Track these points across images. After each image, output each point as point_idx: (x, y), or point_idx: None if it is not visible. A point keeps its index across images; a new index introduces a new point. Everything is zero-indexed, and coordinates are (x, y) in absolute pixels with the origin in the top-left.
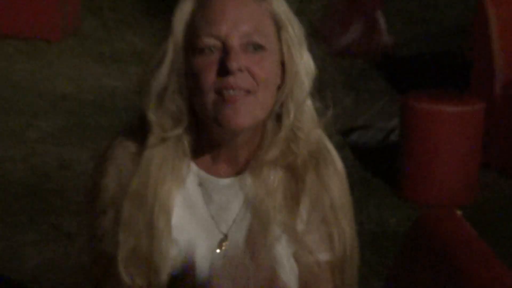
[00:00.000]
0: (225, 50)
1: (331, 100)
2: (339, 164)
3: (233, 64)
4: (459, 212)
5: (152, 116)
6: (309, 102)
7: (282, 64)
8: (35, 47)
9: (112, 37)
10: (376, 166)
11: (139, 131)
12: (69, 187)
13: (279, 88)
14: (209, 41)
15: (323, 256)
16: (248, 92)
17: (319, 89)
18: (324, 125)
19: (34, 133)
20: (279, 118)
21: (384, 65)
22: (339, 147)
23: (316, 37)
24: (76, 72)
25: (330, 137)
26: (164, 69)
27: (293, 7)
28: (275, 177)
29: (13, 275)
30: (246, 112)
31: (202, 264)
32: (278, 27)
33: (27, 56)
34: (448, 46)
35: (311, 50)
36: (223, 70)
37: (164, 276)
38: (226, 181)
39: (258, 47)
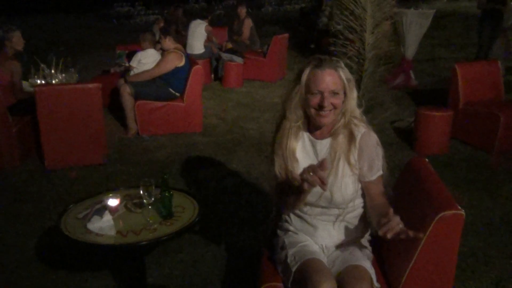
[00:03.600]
0: (322, 96)
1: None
2: (370, 130)
3: (325, 103)
4: (426, 160)
5: (288, 114)
6: (354, 104)
7: (345, 94)
8: (266, 84)
9: None
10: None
11: (283, 119)
12: None
13: (343, 102)
14: (316, 91)
15: (376, 173)
16: (330, 110)
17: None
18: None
19: (261, 118)
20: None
21: (411, 93)
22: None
23: (382, 82)
24: (281, 94)
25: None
26: (295, 96)
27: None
28: (341, 137)
29: None
30: (329, 118)
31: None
32: (344, 81)
33: (262, 87)
34: (441, 86)
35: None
36: (321, 104)
37: (295, 175)
38: (321, 140)
39: (335, 94)
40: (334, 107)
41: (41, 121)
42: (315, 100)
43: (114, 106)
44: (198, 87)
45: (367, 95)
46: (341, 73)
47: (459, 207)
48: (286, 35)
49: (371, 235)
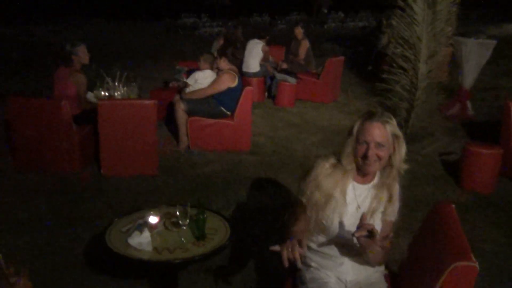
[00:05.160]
0: (368, 146)
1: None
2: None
3: (370, 153)
4: (453, 206)
5: (343, 161)
6: (400, 160)
7: (394, 149)
8: (318, 105)
9: (349, 104)
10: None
11: (333, 159)
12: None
13: (390, 157)
14: (363, 141)
15: (388, 218)
16: (374, 161)
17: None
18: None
19: (308, 140)
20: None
21: (465, 124)
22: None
23: (436, 111)
24: (331, 117)
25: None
26: (349, 145)
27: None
28: (385, 192)
29: None
30: (374, 167)
31: (350, 215)
32: (393, 137)
33: (314, 109)
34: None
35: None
36: (366, 153)
37: (333, 215)
38: (362, 185)
39: (381, 146)
40: (379, 158)
41: (101, 132)
42: (361, 149)
43: (170, 119)
44: (248, 107)
45: (418, 124)
46: (388, 128)
47: (474, 259)
48: (342, 58)
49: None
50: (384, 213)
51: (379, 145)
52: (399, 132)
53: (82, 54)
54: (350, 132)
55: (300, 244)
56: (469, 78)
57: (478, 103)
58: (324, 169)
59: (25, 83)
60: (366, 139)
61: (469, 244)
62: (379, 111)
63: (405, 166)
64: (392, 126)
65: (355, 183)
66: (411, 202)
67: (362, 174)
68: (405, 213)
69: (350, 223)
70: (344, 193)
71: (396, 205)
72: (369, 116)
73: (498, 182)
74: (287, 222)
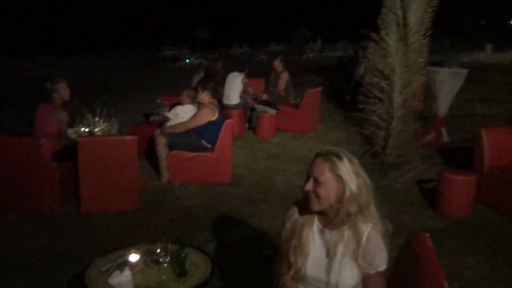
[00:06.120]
0: (309, 182)
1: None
2: (378, 223)
3: (307, 186)
4: (428, 235)
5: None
6: (353, 198)
7: (343, 189)
8: (298, 135)
9: (328, 133)
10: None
11: (301, 203)
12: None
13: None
14: (307, 176)
15: (377, 268)
16: (314, 197)
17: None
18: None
19: (289, 171)
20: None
21: (441, 151)
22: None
23: (412, 139)
24: (311, 147)
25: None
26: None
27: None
28: (347, 234)
29: None
30: (314, 205)
31: (320, 261)
32: (336, 177)
33: (294, 139)
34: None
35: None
36: (306, 188)
37: (303, 261)
38: (331, 231)
39: (318, 182)
40: (316, 195)
41: (81, 169)
42: (306, 185)
43: (150, 152)
44: (228, 140)
45: (395, 152)
46: (329, 166)
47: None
48: (320, 88)
49: None
50: (356, 260)
51: (316, 181)
52: (343, 174)
53: (62, 91)
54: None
55: None
56: (443, 106)
57: (453, 130)
58: (294, 214)
59: (2, 120)
60: (308, 174)
61: (448, 271)
62: (334, 149)
63: (373, 208)
64: (334, 166)
65: (322, 228)
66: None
67: (327, 216)
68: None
69: (321, 270)
70: (311, 239)
71: (375, 253)
72: (321, 152)
73: (474, 208)
74: (277, 269)
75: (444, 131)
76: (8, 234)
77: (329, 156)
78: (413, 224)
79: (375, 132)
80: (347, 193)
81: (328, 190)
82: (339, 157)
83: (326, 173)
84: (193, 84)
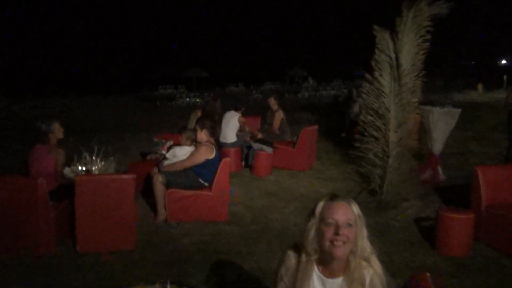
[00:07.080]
0: (337, 225)
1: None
2: (377, 268)
3: (341, 231)
4: (428, 274)
5: (308, 248)
6: (365, 242)
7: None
8: (295, 173)
9: (325, 171)
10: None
11: (297, 251)
12: None
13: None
14: (330, 220)
15: None
16: (344, 242)
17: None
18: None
19: (286, 209)
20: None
21: (438, 189)
22: None
23: (409, 177)
24: (308, 184)
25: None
26: (311, 229)
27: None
28: (355, 283)
29: None
30: (342, 250)
31: None
32: (356, 216)
33: (290, 177)
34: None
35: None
36: (336, 232)
37: None
38: (332, 279)
39: (349, 225)
40: (348, 238)
41: (78, 208)
42: (330, 231)
43: (148, 191)
44: (226, 178)
45: (392, 190)
46: (354, 208)
47: None
48: (315, 127)
49: None
50: None
51: (348, 224)
52: (361, 213)
53: (57, 131)
54: (312, 214)
55: None
56: (437, 144)
57: (449, 168)
58: (290, 264)
59: None
60: (334, 218)
61: None
62: (340, 194)
63: (369, 249)
64: (356, 207)
65: (323, 277)
66: (389, 269)
67: (329, 264)
68: None
69: None
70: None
71: None
72: (333, 196)
73: (473, 246)
74: None
75: (440, 169)
76: (2, 277)
77: (350, 199)
78: (412, 262)
79: (372, 170)
80: (364, 233)
81: (355, 233)
82: (351, 199)
83: (355, 215)
84: (190, 124)
